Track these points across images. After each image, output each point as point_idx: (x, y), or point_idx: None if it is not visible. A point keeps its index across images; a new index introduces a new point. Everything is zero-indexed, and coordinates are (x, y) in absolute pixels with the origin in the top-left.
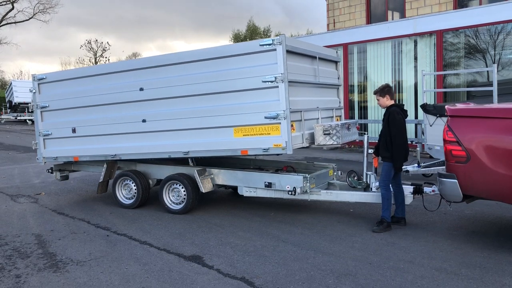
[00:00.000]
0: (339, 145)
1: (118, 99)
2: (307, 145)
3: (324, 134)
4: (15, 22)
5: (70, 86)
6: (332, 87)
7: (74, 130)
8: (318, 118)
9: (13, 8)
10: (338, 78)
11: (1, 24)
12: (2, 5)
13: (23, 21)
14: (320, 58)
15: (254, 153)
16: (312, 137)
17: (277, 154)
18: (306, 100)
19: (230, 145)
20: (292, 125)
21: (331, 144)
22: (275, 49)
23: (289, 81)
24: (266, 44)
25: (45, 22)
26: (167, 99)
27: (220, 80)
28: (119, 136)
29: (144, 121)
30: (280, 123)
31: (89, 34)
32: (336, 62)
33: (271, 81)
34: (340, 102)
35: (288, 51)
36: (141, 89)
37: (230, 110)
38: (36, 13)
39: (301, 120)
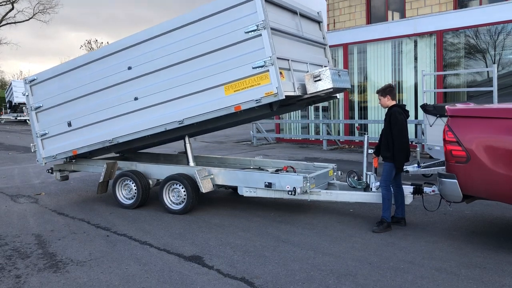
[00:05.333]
0: (332, 89)
1: (108, 83)
2: (300, 94)
3: (315, 81)
4: (15, 22)
5: (61, 81)
6: (319, 46)
7: (69, 124)
8: (308, 71)
9: (13, 8)
10: (324, 38)
11: (1, 24)
12: (2, 5)
13: (23, 21)
14: (301, 15)
15: (247, 107)
16: (303, 88)
17: (271, 108)
18: (293, 51)
19: (223, 103)
20: (281, 73)
21: (324, 90)
22: None
23: (271, 29)
24: None
25: (45, 22)
26: (155, 72)
27: (203, 41)
28: (114, 120)
29: (136, 99)
30: (268, 70)
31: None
32: (319, 22)
33: (253, 30)
34: (329, 62)
35: (267, 1)
36: (129, 68)
37: (217, 69)
38: (36, 13)
39: (289, 70)
